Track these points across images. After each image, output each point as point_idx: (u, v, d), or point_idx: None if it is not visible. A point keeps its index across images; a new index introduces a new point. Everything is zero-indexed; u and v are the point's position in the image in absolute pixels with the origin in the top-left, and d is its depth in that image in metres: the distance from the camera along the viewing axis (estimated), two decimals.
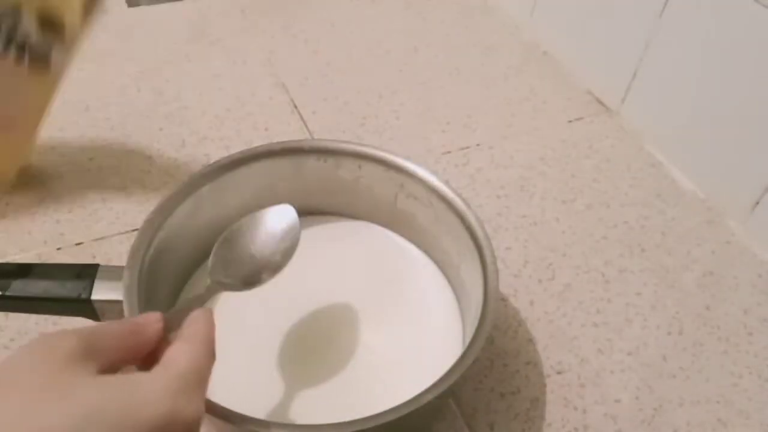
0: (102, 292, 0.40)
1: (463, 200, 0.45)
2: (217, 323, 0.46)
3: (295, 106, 0.68)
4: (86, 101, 0.66)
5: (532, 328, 0.50)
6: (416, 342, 0.46)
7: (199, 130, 0.64)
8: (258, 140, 0.63)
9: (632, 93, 0.67)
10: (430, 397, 0.35)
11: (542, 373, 0.47)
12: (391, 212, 0.51)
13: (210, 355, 0.30)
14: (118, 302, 0.39)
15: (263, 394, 0.42)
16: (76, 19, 0.43)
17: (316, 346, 0.45)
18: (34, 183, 0.57)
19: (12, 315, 0.47)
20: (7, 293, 0.40)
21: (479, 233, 0.44)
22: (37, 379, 0.24)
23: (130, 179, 0.58)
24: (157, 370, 0.27)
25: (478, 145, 0.65)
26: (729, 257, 0.56)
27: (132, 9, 0.80)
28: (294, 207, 0.43)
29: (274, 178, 0.49)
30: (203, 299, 0.36)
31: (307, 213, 0.53)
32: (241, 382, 0.43)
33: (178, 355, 0.28)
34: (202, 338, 0.30)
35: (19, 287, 0.40)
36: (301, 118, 0.66)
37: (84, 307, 0.40)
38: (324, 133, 0.65)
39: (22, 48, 0.44)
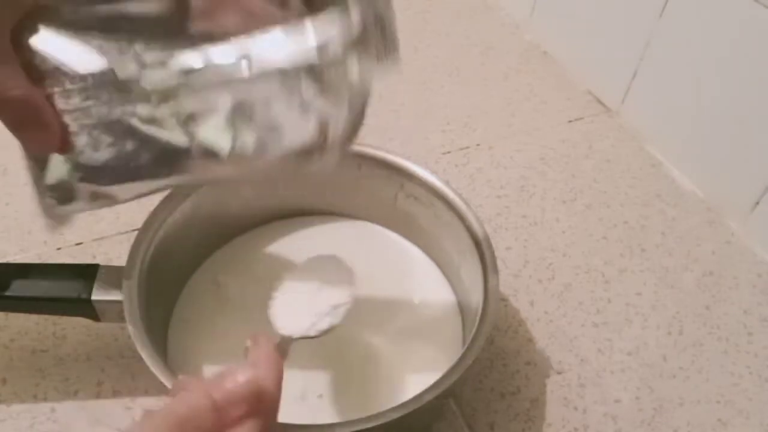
0: (102, 292, 0.40)
1: (463, 200, 0.45)
2: (218, 325, 0.46)
3: None
4: None
5: (532, 328, 0.50)
6: (416, 342, 0.46)
7: None
8: None
9: (632, 93, 0.67)
10: (430, 397, 0.35)
11: (542, 373, 0.47)
12: (391, 212, 0.51)
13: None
14: (118, 302, 0.39)
15: None
16: None
17: (315, 345, 0.45)
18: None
19: (12, 315, 0.47)
20: (7, 293, 0.40)
21: (479, 233, 0.44)
22: None
23: None
24: None
25: (478, 145, 0.65)
26: (729, 257, 0.56)
27: None
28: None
29: (274, 178, 0.49)
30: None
31: (307, 213, 0.53)
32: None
33: None
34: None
35: (19, 287, 0.40)
36: None
37: (84, 307, 0.40)
38: None
39: None
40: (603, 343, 0.49)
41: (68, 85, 0.31)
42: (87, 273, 0.41)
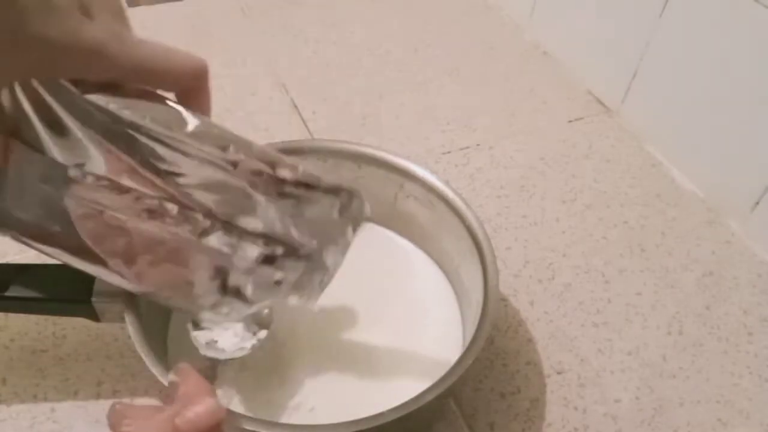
0: (102, 292, 0.40)
1: (463, 200, 0.45)
2: None
3: (295, 106, 0.68)
4: None
5: (532, 328, 0.50)
6: (416, 342, 0.46)
7: None
8: (258, 140, 0.63)
9: (632, 93, 0.67)
10: (430, 397, 0.35)
11: (542, 373, 0.47)
12: (391, 212, 0.51)
13: None
14: (118, 302, 0.39)
15: (263, 394, 0.42)
16: None
17: (315, 346, 0.45)
18: None
19: (12, 315, 0.47)
20: (7, 293, 0.40)
21: (479, 233, 0.44)
22: None
23: None
24: None
25: (478, 145, 0.65)
26: (729, 257, 0.56)
27: (132, 9, 0.80)
28: None
29: None
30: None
31: None
32: (240, 382, 0.43)
33: None
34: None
35: (19, 287, 0.40)
36: (301, 118, 0.66)
37: (84, 307, 0.40)
38: (324, 133, 0.65)
39: None
40: (603, 343, 0.49)
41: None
42: (87, 273, 0.41)
